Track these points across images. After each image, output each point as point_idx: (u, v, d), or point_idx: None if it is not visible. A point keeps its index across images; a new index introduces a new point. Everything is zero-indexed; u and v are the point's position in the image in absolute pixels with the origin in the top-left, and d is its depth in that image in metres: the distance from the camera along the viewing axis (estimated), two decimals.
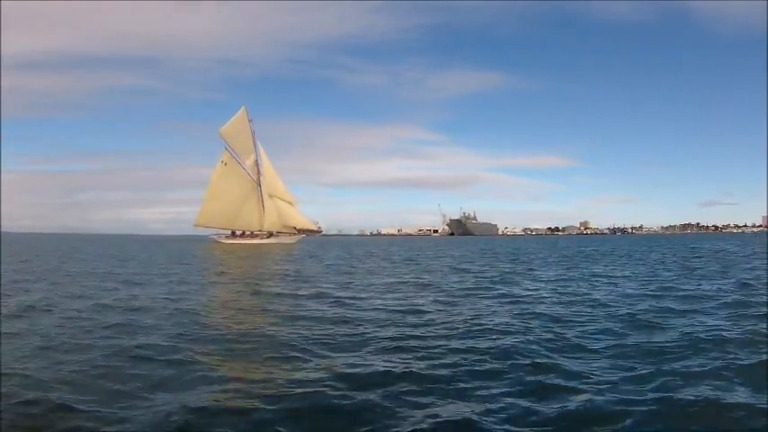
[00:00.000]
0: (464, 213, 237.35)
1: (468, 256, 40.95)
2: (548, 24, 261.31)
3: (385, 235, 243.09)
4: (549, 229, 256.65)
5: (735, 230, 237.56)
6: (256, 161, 69.32)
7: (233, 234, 70.80)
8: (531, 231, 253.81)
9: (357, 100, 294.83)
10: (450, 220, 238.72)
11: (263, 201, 69.64)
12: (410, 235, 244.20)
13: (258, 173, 69.43)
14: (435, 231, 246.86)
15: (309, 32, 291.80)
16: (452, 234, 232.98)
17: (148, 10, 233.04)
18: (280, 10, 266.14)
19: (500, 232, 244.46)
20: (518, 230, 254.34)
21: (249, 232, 70.72)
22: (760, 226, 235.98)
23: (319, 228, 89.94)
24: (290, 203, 70.38)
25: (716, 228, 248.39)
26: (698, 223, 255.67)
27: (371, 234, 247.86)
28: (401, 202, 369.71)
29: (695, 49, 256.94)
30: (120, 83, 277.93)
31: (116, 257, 37.12)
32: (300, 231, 74.67)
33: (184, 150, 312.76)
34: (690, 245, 65.21)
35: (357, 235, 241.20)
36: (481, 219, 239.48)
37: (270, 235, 70.29)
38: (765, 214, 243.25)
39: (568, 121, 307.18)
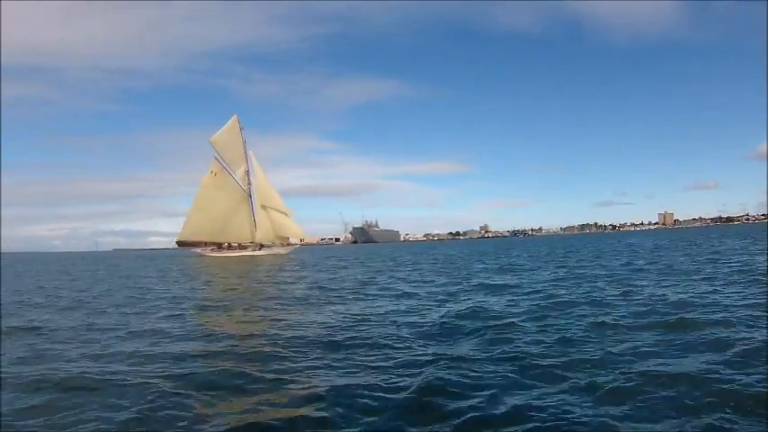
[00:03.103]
0: (366, 221, 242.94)
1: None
2: (444, 34, 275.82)
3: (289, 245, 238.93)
4: (451, 233, 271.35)
5: (632, 229, 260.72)
6: (247, 171, 67.66)
7: (219, 247, 68.01)
8: (433, 237, 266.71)
9: (252, 110, 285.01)
10: (353, 228, 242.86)
11: (253, 212, 68.17)
12: (312, 244, 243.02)
13: (249, 183, 67.75)
14: (338, 240, 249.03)
15: (203, 42, 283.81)
16: (355, 242, 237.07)
17: (31, 17, 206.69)
18: (171, 18, 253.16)
19: (402, 239, 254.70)
20: (419, 236, 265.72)
21: (236, 244, 68.50)
22: (656, 224, 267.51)
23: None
24: (285, 214, 69.54)
25: (614, 227, 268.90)
26: (596, 223, 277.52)
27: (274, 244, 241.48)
28: (300, 212, 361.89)
29: (589, 57, 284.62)
30: (5, 93, 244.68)
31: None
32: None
33: (78, 164, 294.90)
34: (624, 242, 76.08)
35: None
36: (383, 226, 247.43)
37: (261, 246, 68.81)
38: (661, 212, 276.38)
39: (463, 127, 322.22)
